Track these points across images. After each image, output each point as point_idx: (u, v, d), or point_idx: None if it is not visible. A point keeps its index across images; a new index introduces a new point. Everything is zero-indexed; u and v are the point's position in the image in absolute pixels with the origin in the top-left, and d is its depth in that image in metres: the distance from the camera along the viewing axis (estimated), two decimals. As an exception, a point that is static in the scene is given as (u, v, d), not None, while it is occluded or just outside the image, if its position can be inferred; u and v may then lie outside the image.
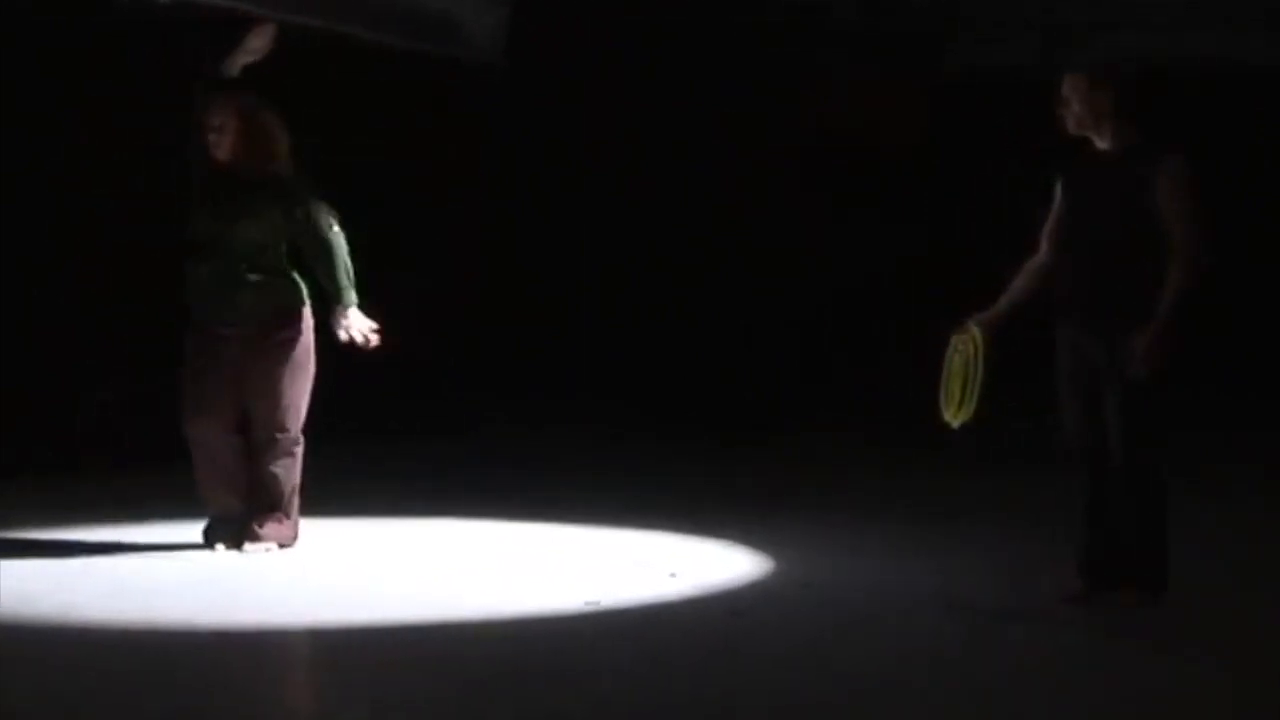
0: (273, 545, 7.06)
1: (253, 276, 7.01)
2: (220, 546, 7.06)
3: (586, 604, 6.18)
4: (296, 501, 7.14)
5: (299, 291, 7.11)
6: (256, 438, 7.07)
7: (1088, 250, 6.09)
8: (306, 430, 7.15)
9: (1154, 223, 5.98)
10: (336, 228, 7.08)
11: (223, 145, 6.98)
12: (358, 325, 7.06)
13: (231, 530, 7.07)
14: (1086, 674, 5.35)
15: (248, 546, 7.03)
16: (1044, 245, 6.28)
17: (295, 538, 7.15)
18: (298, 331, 7.08)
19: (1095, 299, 6.07)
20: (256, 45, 7.26)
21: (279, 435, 7.05)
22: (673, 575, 6.73)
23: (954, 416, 6.29)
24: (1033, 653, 5.62)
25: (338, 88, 10.55)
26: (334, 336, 7.07)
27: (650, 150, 12.42)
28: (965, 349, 6.27)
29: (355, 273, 7.13)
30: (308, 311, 7.15)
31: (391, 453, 10.34)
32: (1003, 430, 10.61)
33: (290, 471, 7.10)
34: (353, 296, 7.09)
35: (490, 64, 11.65)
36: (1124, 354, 5.95)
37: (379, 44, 10.93)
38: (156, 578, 6.66)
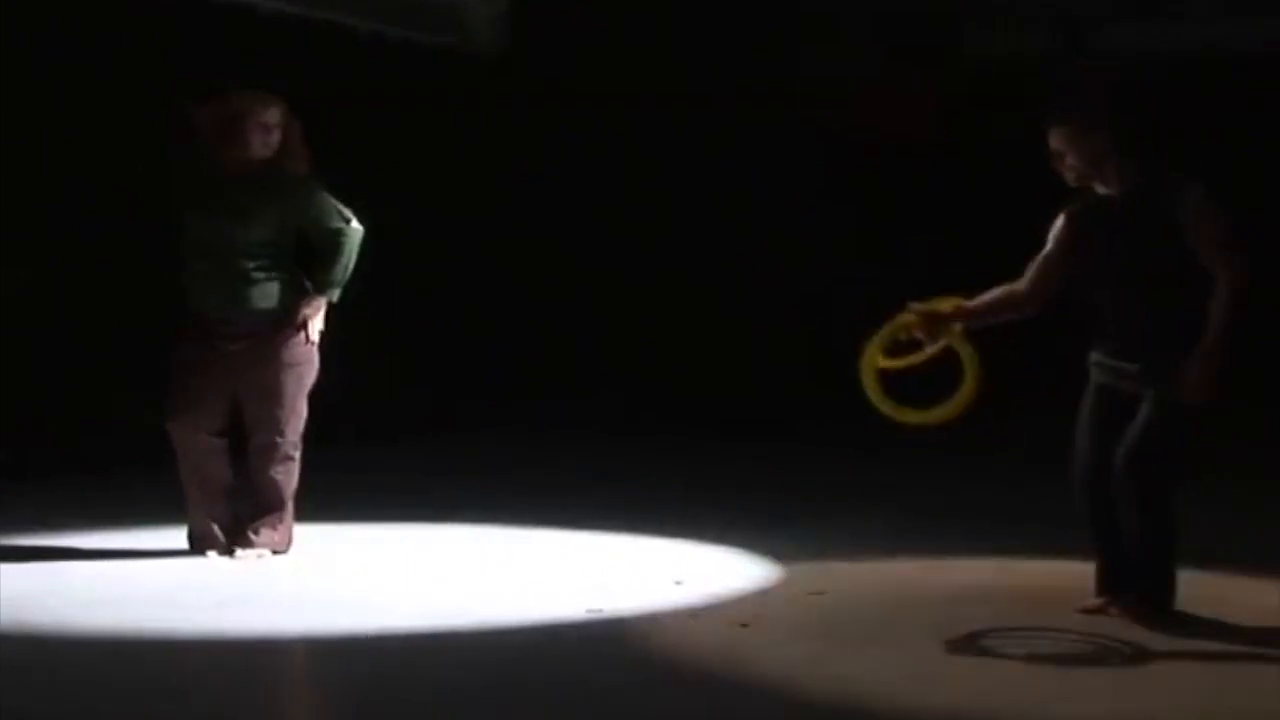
0: (266, 551, 6.95)
1: (259, 275, 6.89)
2: (212, 553, 6.96)
3: (589, 612, 6.08)
4: (291, 506, 7.03)
5: (305, 291, 6.98)
6: (255, 442, 6.96)
7: (1128, 294, 5.93)
8: (305, 434, 7.04)
9: (1187, 255, 5.82)
10: (354, 223, 6.95)
11: (271, 143, 6.86)
12: (315, 319, 6.93)
13: (215, 539, 6.98)
14: (1097, 686, 5.26)
15: (240, 552, 6.92)
16: (1027, 279, 6.10)
17: (289, 543, 7.04)
18: (301, 331, 6.95)
19: (1147, 340, 5.91)
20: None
21: (278, 440, 6.94)
22: (678, 583, 6.64)
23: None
24: (1045, 662, 5.51)
25: (337, 80, 10.48)
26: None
27: (651, 144, 12.36)
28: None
29: (369, 278, 7.04)
30: None
31: (388, 457, 10.28)
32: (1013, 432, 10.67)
33: (289, 477, 7.00)
34: (334, 294, 6.97)
35: (492, 55, 11.59)
36: (1167, 379, 5.81)
37: (380, 36, 10.88)
38: (149, 584, 6.56)
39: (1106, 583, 6.09)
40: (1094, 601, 6.10)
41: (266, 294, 6.91)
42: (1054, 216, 6.16)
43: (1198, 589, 6.24)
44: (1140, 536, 5.93)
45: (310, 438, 7.10)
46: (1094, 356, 6.09)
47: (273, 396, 6.93)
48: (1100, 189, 5.97)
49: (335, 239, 6.92)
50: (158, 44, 9.79)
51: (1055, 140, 5.91)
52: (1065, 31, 11.84)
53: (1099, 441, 6.02)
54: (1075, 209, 6.05)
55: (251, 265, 6.89)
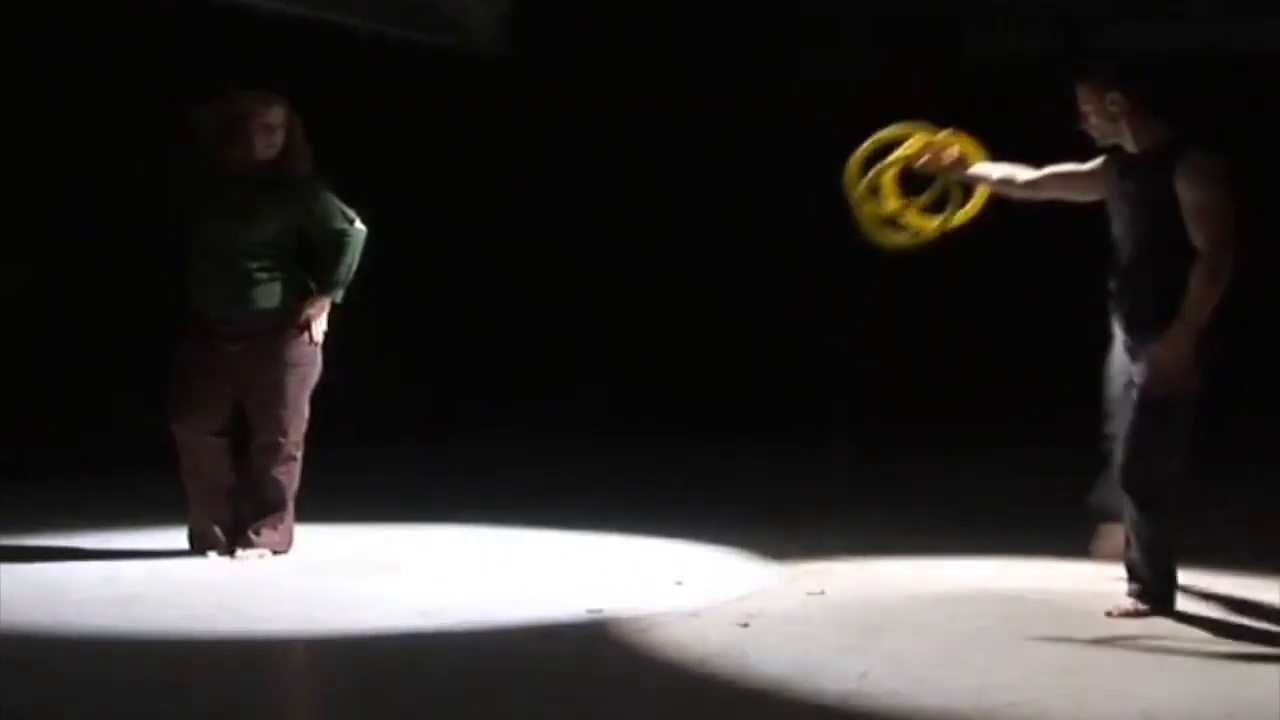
0: (266, 551, 6.94)
1: (262, 275, 6.90)
2: (212, 554, 6.96)
3: (589, 612, 6.08)
4: (292, 506, 7.03)
5: (308, 292, 6.98)
6: (258, 442, 6.95)
7: (1124, 255, 5.95)
8: (306, 434, 7.04)
9: (1179, 224, 5.81)
10: (358, 224, 6.96)
11: (274, 143, 6.86)
12: (318, 320, 6.93)
13: (216, 539, 6.98)
14: (1095, 684, 5.24)
15: (241, 552, 6.92)
16: (1041, 173, 6.21)
17: (290, 543, 7.04)
18: (304, 332, 6.96)
19: (1131, 307, 5.91)
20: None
21: (281, 440, 6.94)
22: (678, 583, 6.64)
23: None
24: (1043, 661, 5.50)
25: (337, 80, 10.46)
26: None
27: (651, 146, 12.35)
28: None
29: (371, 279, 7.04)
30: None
31: (388, 457, 10.27)
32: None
33: (291, 477, 7.00)
34: (338, 294, 6.97)
35: (492, 56, 11.57)
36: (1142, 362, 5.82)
37: (380, 36, 10.86)
38: (149, 584, 6.55)
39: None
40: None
41: (269, 294, 6.91)
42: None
43: (1197, 589, 6.25)
44: (1140, 533, 5.94)
45: (311, 438, 7.09)
46: (1113, 326, 6.13)
47: (275, 397, 6.93)
48: (1126, 147, 5.99)
49: (339, 239, 6.93)
50: (158, 44, 9.79)
51: (1080, 99, 5.96)
52: (1065, 32, 11.81)
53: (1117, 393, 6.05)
54: (1114, 158, 6.07)
55: (254, 265, 6.89)
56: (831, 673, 5.30)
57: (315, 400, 7.06)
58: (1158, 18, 11.80)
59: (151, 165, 8.17)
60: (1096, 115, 5.93)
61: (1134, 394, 5.87)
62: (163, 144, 7.40)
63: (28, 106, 9.23)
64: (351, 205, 7.02)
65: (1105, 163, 6.08)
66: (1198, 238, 5.76)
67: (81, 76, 9.45)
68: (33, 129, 9.25)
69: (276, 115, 6.87)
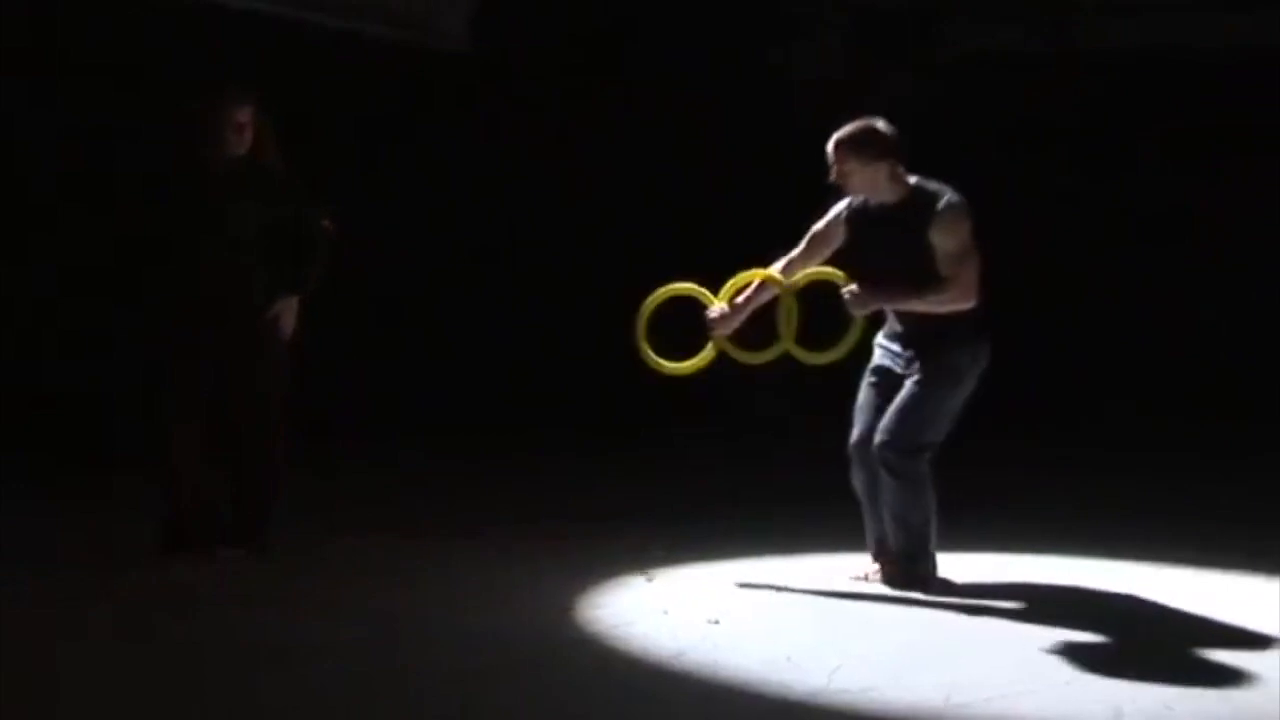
0: (248, 552, 6.94)
1: (238, 271, 6.94)
2: (195, 554, 6.94)
3: (563, 610, 6.09)
4: (275, 506, 7.03)
5: (280, 287, 7.02)
6: (239, 441, 6.96)
7: None
8: (297, 433, 7.05)
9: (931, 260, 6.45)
10: (326, 221, 7.01)
11: (244, 140, 6.91)
12: (288, 315, 6.99)
13: (198, 539, 6.99)
14: (1069, 679, 5.26)
15: (222, 553, 6.91)
16: (804, 243, 7.00)
17: (271, 544, 7.03)
18: (276, 328, 7.00)
19: (909, 329, 6.58)
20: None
21: (263, 439, 6.95)
22: (649, 580, 6.65)
23: None
24: (1017, 656, 5.51)
25: (307, 76, 10.47)
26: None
27: (651, 146, 12.36)
28: None
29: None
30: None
31: (382, 457, 10.27)
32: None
33: (273, 477, 7.00)
34: (307, 289, 7.02)
35: (458, 52, 11.57)
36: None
37: (348, 32, 10.87)
38: (139, 585, 6.54)
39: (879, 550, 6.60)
40: (869, 569, 6.57)
41: (246, 290, 6.94)
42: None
43: (1194, 587, 6.25)
44: (892, 505, 6.47)
45: (304, 437, 7.10)
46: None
47: (255, 394, 6.94)
48: (880, 200, 6.59)
49: (313, 237, 6.97)
50: (157, 44, 9.82)
51: (841, 165, 6.59)
52: (1048, 25, 11.81)
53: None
54: (860, 209, 6.70)
55: (230, 261, 6.92)
56: (802, 669, 5.32)
57: (307, 400, 7.07)
58: (1137, 13, 11.78)
59: (150, 165, 8.21)
60: (860, 179, 6.49)
61: (913, 388, 6.45)
62: (190, 131, 7.40)
63: (27, 106, 9.28)
64: (351, 205, 7.06)
65: (850, 213, 6.65)
66: (946, 272, 6.36)
67: (80, 75, 9.50)
68: (33, 130, 9.30)
69: (245, 113, 6.93)
